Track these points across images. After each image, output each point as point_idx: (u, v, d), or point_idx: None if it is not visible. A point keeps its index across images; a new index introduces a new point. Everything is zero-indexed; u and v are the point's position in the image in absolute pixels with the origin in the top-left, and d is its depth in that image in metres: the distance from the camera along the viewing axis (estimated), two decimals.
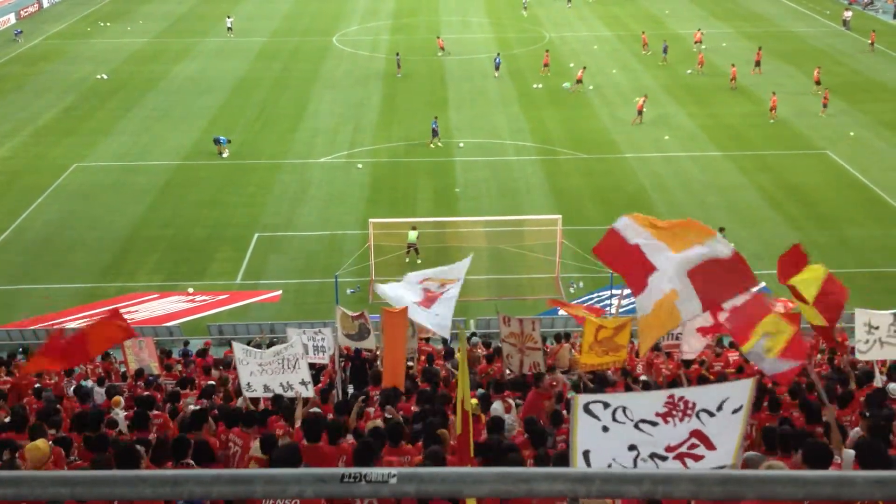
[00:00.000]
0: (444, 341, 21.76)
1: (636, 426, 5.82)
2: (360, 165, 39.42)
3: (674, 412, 5.88)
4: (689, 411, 5.90)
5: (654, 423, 5.85)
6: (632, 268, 9.64)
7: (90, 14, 72.13)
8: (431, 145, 41.30)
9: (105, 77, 53.66)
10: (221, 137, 40.81)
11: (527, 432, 10.64)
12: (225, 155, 40.28)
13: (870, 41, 58.32)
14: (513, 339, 15.44)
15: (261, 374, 13.01)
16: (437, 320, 14.99)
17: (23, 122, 45.81)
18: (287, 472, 2.36)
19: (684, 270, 9.00)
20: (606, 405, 5.81)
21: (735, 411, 5.99)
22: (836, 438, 9.10)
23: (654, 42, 57.94)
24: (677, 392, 6.00)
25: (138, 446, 9.21)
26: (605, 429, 5.79)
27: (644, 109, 44.25)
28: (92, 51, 60.25)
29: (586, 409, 5.81)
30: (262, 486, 2.33)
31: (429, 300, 15.30)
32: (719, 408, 5.95)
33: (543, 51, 55.68)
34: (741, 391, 6.07)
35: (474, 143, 41.90)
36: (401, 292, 15.89)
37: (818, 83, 48.15)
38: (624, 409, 5.81)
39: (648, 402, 5.99)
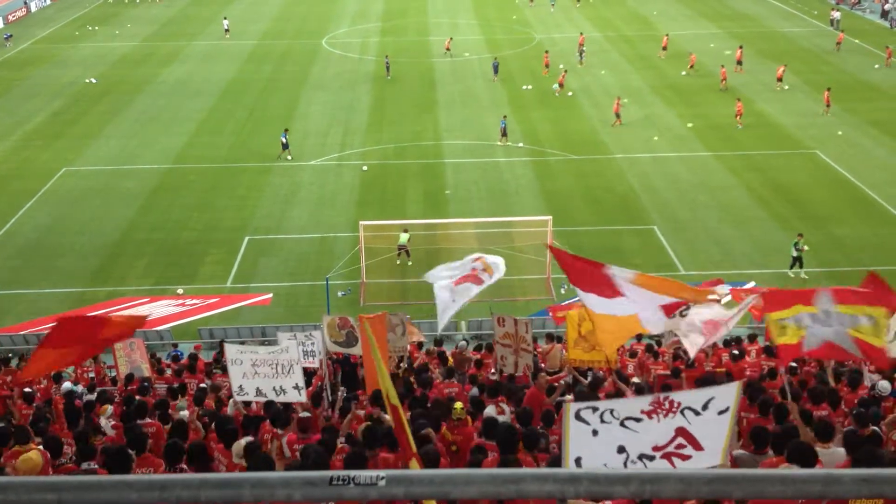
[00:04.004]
0: (438, 342, 21.80)
1: (622, 424, 5.97)
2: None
3: (658, 410, 6.01)
4: (673, 408, 6.02)
5: (638, 420, 5.99)
6: (593, 283, 9.69)
7: (78, 18, 71.91)
8: (500, 143, 41.46)
9: (93, 81, 53.49)
10: (285, 141, 40.49)
11: (520, 424, 10.66)
12: (289, 158, 40.15)
13: (837, 41, 58.72)
14: (507, 340, 15.39)
15: (253, 376, 12.84)
16: (450, 304, 14.61)
17: (11, 127, 45.63)
18: (275, 475, 2.35)
19: (657, 304, 9.40)
20: (595, 409, 5.93)
21: (721, 412, 6.10)
22: (805, 435, 9.18)
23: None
24: (663, 394, 6.15)
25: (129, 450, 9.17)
26: (595, 432, 5.92)
27: (620, 112, 44.25)
28: (80, 55, 60.07)
29: (577, 416, 5.92)
30: (251, 489, 2.33)
31: (466, 279, 14.83)
32: (705, 407, 6.07)
33: (543, 52, 55.67)
34: (727, 393, 6.17)
35: (463, 144, 41.91)
36: (449, 272, 15.27)
37: (780, 80, 49.51)
38: (611, 410, 5.96)
39: (634, 403, 6.14)
